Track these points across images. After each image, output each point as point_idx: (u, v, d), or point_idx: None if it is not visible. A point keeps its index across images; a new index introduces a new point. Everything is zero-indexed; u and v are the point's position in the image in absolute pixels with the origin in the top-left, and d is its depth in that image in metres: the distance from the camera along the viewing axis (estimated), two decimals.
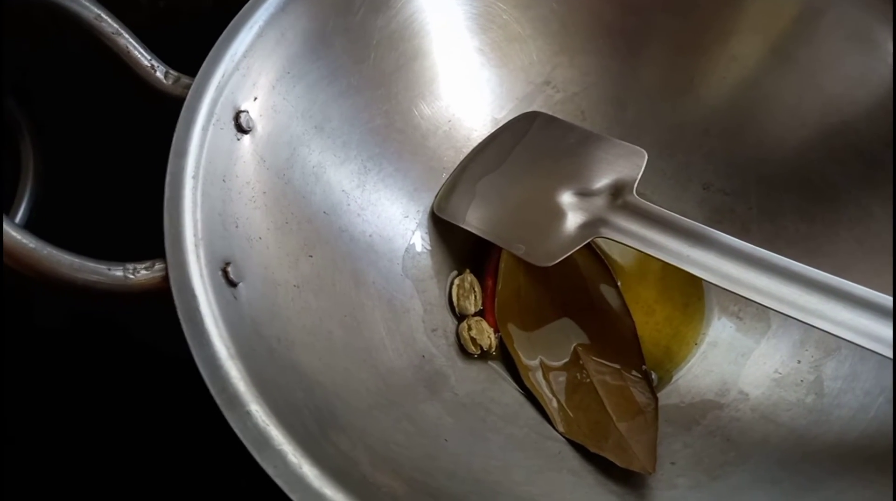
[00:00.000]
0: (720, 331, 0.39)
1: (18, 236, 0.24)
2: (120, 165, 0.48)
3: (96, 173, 0.48)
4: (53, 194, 0.47)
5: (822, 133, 0.39)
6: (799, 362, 0.36)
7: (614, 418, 0.35)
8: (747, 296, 0.34)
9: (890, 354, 0.29)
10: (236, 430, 0.24)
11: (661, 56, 0.43)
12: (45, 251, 0.24)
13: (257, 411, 0.24)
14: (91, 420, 0.39)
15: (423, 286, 0.40)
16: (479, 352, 0.38)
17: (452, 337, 0.39)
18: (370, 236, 0.39)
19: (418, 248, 0.41)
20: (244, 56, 0.34)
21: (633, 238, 0.36)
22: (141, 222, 0.42)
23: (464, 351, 0.38)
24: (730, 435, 0.34)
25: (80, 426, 0.39)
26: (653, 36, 0.42)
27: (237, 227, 0.31)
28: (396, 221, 0.41)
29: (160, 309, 0.38)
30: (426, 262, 0.41)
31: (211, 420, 0.38)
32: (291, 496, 0.23)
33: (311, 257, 0.35)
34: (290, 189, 0.36)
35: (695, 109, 0.43)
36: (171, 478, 0.38)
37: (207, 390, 0.34)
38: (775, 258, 0.34)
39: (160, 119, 0.35)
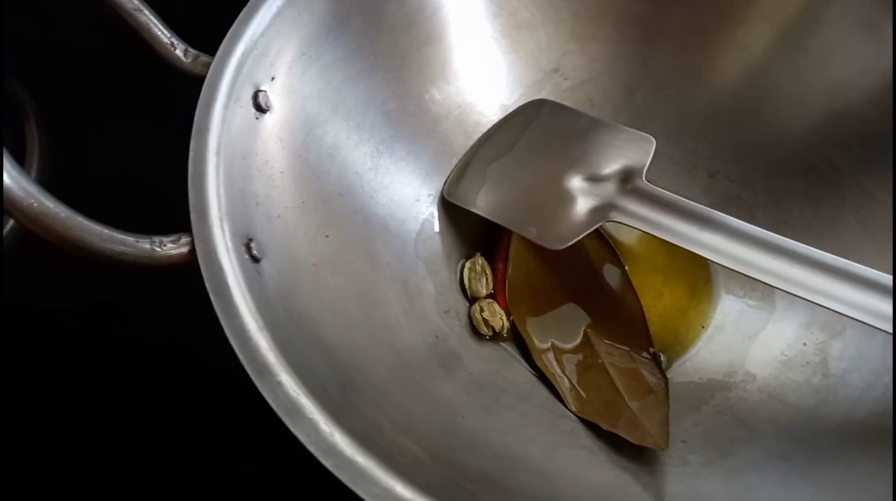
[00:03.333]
0: (727, 314, 0.40)
1: (51, 205, 0.24)
2: (123, 144, 0.48)
3: (100, 154, 0.48)
4: (58, 175, 0.47)
5: (828, 119, 0.40)
6: (805, 344, 0.37)
7: (626, 397, 0.35)
8: (757, 277, 0.34)
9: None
10: (268, 399, 0.24)
11: (670, 44, 0.43)
12: (77, 221, 0.25)
13: (287, 381, 0.25)
14: (94, 407, 0.39)
15: (434, 268, 0.40)
16: (490, 334, 0.38)
17: (465, 319, 0.39)
18: (383, 218, 0.39)
19: (430, 231, 0.41)
20: (262, 35, 0.34)
21: (643, 222, 0.37)
22: (147, 201, 0.42)
23: (476, 332, 0.39)
24: (738, 414, 0.35)
25: (84, 413, 0.39)
26: (662, 24, 0.43)
27: (257, 204, 0.32)
28: (408, 204, 0.41)
29: (164, 294, 0.38)
30: (437, 245, 0.41)
31: (215, 406, 0.39)
32: (325, 462, 0.23)
33: (327, 236, 0.35)
34: (307, 169, 0.36)
35: (702, 97, 0.43)
36: (177, 463, 0.38)
37: (212, 375, 0.34)
38: (783, 241, 0.34)
39: (167, 99, 0.35)
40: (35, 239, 0.25)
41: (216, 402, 0.39)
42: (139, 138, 0.48)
